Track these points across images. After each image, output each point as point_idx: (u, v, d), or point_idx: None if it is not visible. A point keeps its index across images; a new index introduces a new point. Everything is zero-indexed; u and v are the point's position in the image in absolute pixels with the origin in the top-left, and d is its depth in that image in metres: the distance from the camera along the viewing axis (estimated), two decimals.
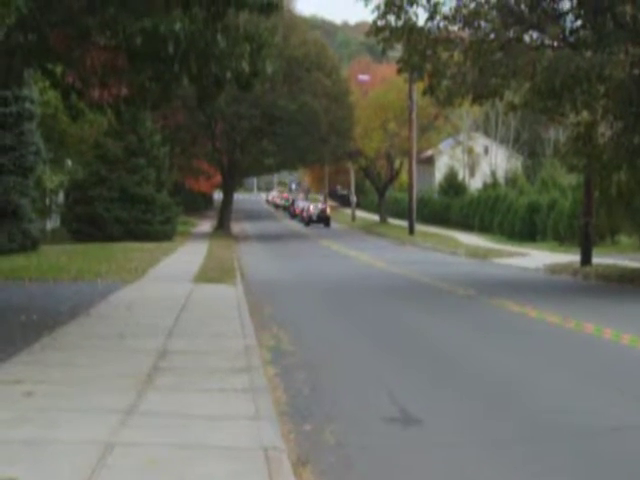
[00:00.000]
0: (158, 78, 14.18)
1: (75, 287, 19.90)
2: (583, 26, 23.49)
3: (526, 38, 23.51)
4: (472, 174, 76.71)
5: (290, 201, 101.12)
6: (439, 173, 77.02)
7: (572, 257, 30.62)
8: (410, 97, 53.03)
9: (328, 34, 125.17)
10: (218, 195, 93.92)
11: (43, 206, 40.48)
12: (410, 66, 23.96)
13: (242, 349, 11.74)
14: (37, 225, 33.10)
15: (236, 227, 64.52)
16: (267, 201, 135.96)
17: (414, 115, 54.02)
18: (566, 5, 23.66)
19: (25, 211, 31.12)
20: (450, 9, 23.18)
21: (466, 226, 56.74)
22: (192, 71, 13.46)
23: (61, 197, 45.31)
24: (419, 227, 54.38)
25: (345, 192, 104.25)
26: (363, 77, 70.48)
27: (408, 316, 17.35)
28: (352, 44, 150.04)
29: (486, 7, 23.02)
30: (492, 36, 22.98)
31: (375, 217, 75.41)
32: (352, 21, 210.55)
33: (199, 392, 9.00)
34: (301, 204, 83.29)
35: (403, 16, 23.06)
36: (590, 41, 22.51)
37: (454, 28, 23.58)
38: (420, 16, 23.84)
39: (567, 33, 23.31)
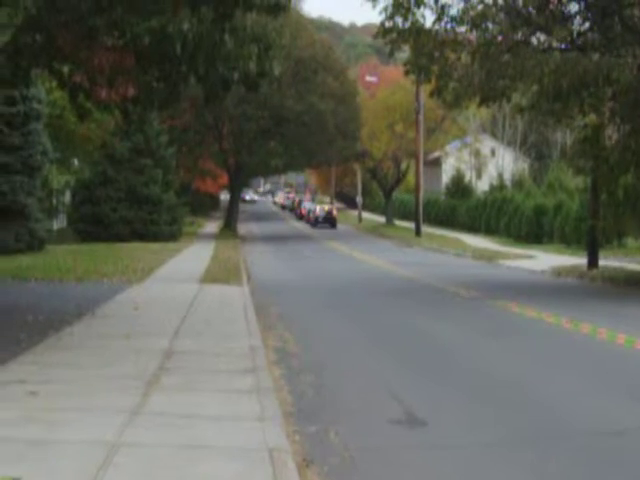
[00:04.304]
0: (165, 78, 14.18)
1: (81, 287, 19.93)
2: (591, 29, 23.46)
3: (534, 40, 23.47)
4: (479, 176, 76.61)
5: (295, 202, 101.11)
6: (446, 175, 76.91)
7: (579, 260, 30.59)
8: (417, 99, 53.03)
9: (335, 35, 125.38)
10: (225, 196, 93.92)
11: (50, 206, 40.51)
12: (417, 68, 23.95)
13: (248, 350, 11.74)
14: (44, 225, 33.12)
15: (243, 228, 64.52)
16: (274, 202, 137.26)
17: (421, 117, 54.00)
18: (574, 8, 23.65)
19: (32, 211, 31.18)
20: (458, 11, 23.16)
21: (472, 228, 56.69)
22: (199, 71, 13.45)
23: (68, 197, 45.35)
24: (426, 229, 54.37)
25: (351, 193, 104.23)
26: (371, 78, 70.53)
27: (415, 318, 17.32)
28: (359, 46, 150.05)
29: (494, 9, 22.98)
30: (499, 38, 22.95)
31: (381, 219, 75.34)
32: (359, 23, 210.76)
33: (205, 392, 9.00)
34: (307, 205, 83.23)
35: (410, 18, 23.07)
36: (598, 44, 22.50)
37: (461, 30, 23.56)
38: (427, 18, 24.01)
39: (575, 36, 23.27)
